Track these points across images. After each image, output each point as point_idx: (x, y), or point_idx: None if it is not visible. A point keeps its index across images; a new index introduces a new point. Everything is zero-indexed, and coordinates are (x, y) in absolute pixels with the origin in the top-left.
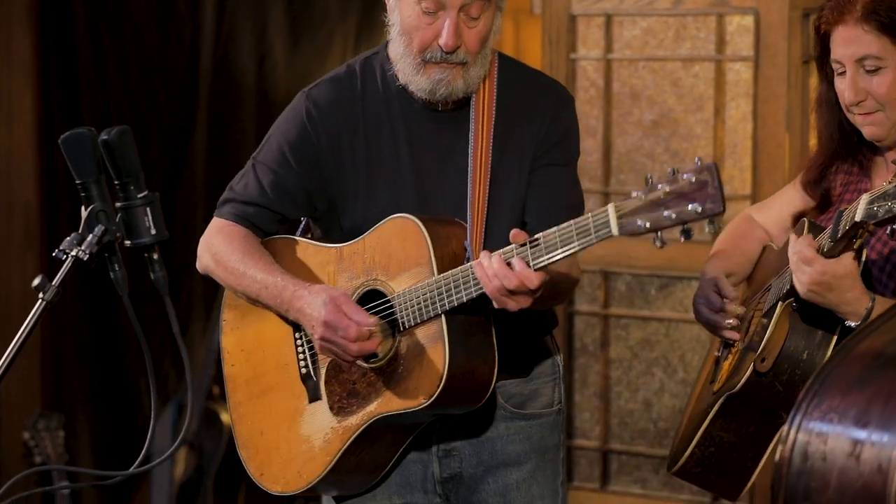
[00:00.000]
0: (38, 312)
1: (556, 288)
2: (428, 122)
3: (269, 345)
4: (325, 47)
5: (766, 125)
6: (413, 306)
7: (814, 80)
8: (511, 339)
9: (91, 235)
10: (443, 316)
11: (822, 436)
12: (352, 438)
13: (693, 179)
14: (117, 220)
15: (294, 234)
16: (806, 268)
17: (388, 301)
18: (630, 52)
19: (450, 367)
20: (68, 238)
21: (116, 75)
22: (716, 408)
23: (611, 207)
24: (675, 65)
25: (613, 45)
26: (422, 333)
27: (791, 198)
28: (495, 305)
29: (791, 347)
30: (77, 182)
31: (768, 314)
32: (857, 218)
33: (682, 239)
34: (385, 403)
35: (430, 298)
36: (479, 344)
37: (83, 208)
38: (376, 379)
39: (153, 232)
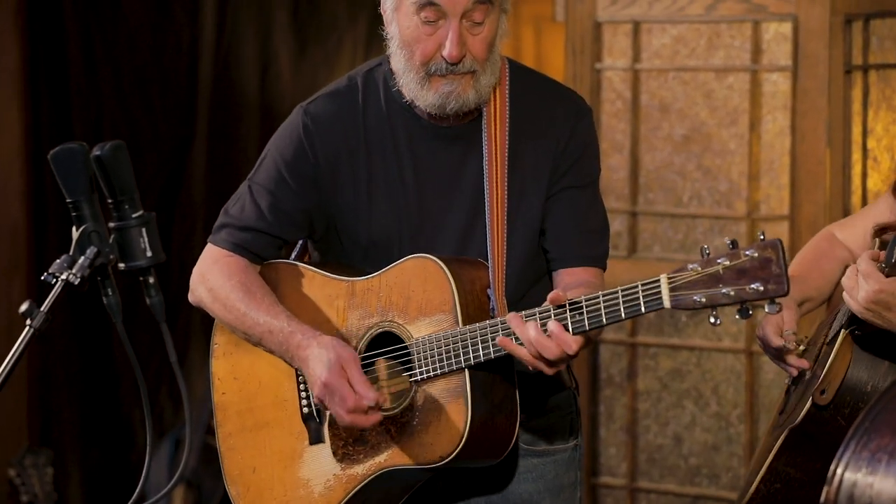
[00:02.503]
0: (25, 340)
1: (590, 341)
2: (434, 139)
3: (266, 376)
4: (334, 55)
5: (805, 140)
6: (434, 356)
7: (857, 91)
8: (523, 371)
9: (82, 258)
10: (466, 370)
11: (870, 478)
12: (356, 489)
13: (755, 255)
14: (111, 241)
15: (291, 254)
16: (864, 284)
17: (406, 347)
18: (659, 62)
19: (471, 426)
20: (58, 260)
21: (109, 85)
22: (780, 441)
23: (663, 279)
24: (708, 75)
25: (641, 55)
26: (441, 386)
27: (879, 210)
28: (529, 368)
29: (854, 378)
30: (67, 201)
31: (832, 342)
32: None
33: (738, 317)
34: (396, 456)
35: (454, 350)
36: (501, 398)
37: (74, 229)
38: (388, 428)
39: (149, 254)
